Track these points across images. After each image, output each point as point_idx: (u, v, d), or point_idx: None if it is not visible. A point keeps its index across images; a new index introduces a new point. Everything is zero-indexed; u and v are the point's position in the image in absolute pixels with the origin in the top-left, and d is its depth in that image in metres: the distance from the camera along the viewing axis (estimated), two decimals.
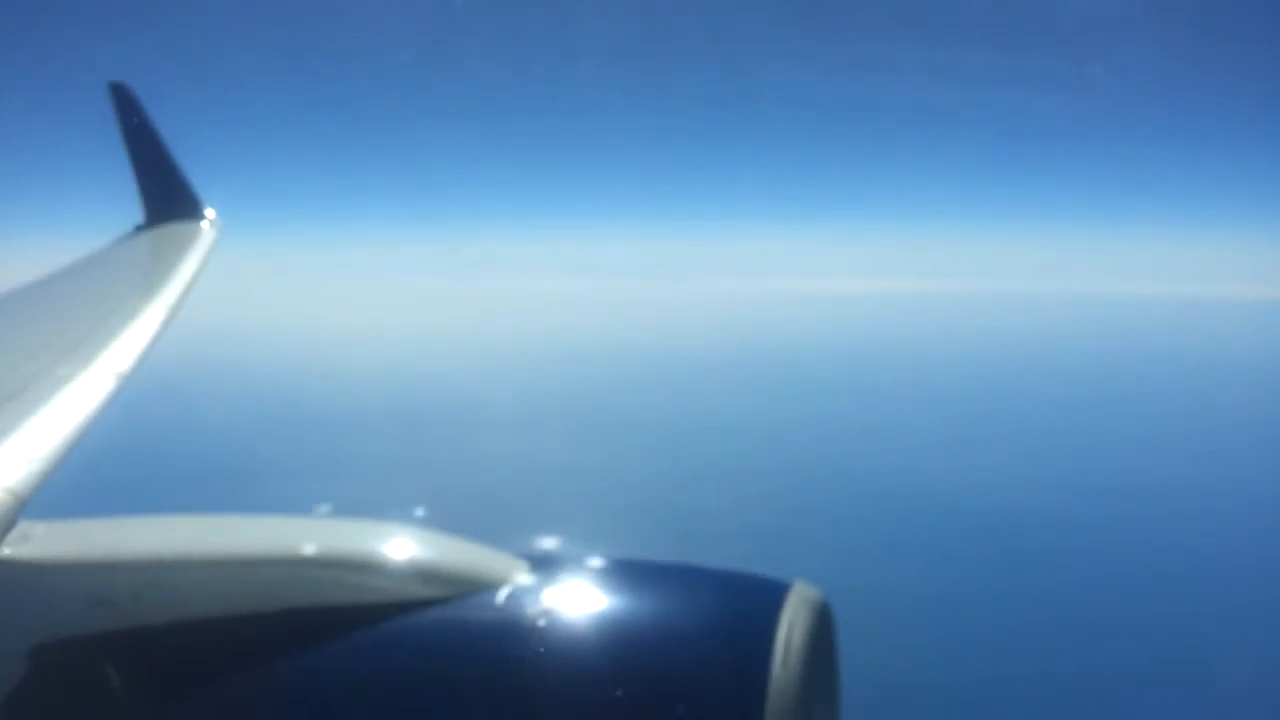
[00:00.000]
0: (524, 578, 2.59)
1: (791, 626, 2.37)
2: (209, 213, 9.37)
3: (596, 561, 2.71)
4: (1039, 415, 76.93)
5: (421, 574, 2.58)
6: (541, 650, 2.42)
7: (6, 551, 2.48)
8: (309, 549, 2.64)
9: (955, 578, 38.82)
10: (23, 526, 2.58)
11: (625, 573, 2.66)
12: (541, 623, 2.46)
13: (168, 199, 9.28)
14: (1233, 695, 29.34)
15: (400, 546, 2.67)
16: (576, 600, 2.54)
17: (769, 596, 2.48)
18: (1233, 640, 32.64)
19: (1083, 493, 52.52)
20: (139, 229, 9.15)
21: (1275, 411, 74.68)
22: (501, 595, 2.53)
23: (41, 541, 2.60)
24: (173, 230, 8.80)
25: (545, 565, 2.66)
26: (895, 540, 43.68)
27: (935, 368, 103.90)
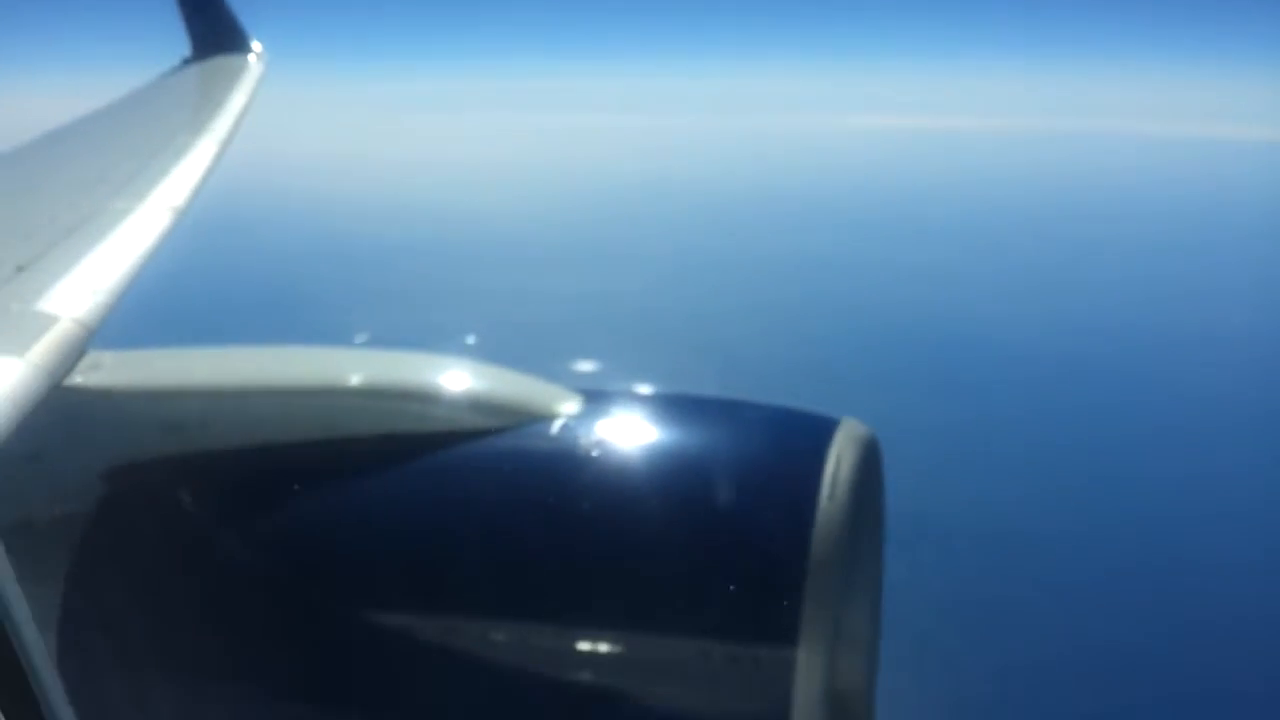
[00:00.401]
0: (577, 410, 2.65)
1: (839, 460, 2.41)
2: (255, 46, 9.27)
3: (648, 395, 2.75)
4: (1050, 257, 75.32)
5: (478, 405, 2.64)
6: (595, 480, 2.48)
7: (79, 380, 2.56)
8: (365, 379, 2.71)
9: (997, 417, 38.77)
10: (92, 356, 2.66)
11: (676, 406, 2.70)
12: (595, 453, 2.51)
13: (213, 32, 9.16)
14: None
15: (457, 378, 2.73)
16: (628, 432, 2.59)
17: (818, 431, 2.52)
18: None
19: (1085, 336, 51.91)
20: (186, 63, 9.08)
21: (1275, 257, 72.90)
22: (555, 426, 2.59)
23: (111, 370, 2.69)
24: (219, 64, 8.71)
25: (597, 398, 2.71)
26: (922, 377, 43.60)
27: (942, 205, 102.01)
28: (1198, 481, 32.61)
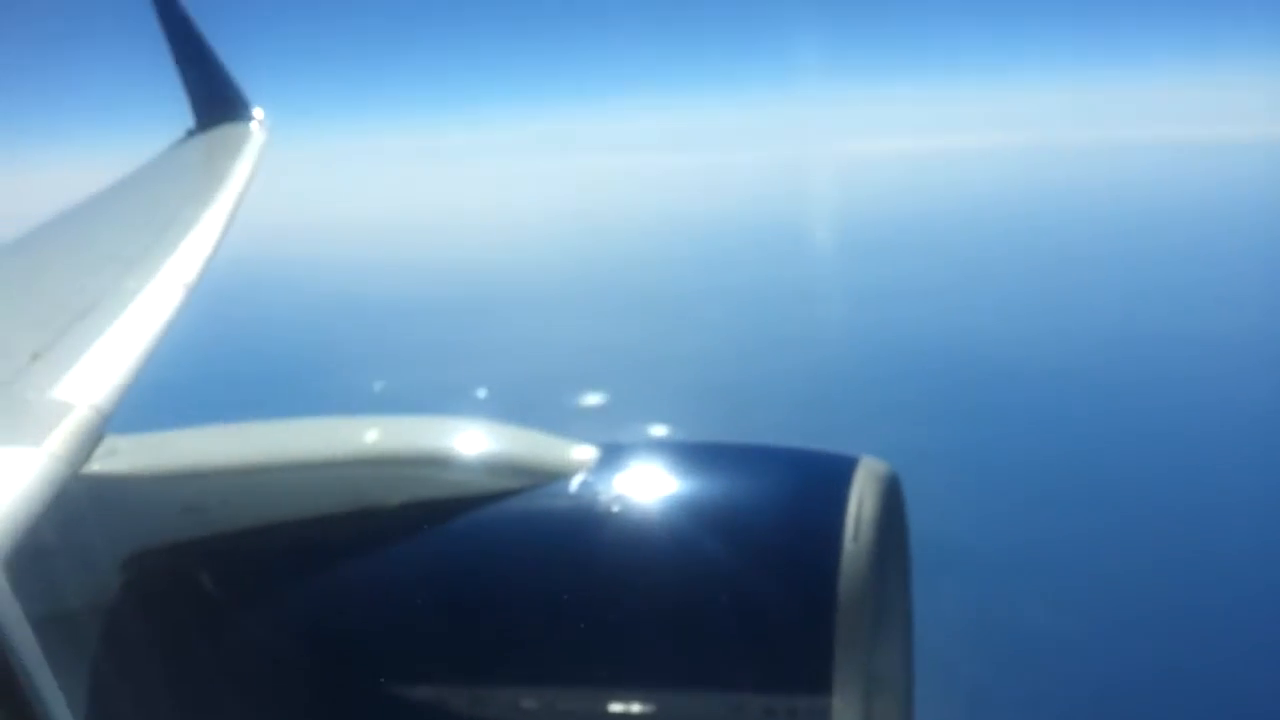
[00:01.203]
0: (595, 465, 2.64)
1: (861, 500, 2.40)
2: (257, 112, 9.35)
3: (664, 444, 2.74)
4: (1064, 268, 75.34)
5: (494, 467, 2.64)
6: (618, 536, 2.47)
7: (96, 467, 2.56)
8: (381, 449, 2.71)
9: (1017, 443, 38.60)
10: (109, 441, 2.65)
11: (694, 454, 2.69)
12: (616, 509, 2.50)
13: (215, 101, 9.25)
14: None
15: (470, 440, 2.73)
16: (648, 484, 2.58)
17: (838, 471, 2.50)
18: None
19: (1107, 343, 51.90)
20: (190, 134, 9.17)
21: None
22: (574, 484, 2.58)
23: (128, 455, 2.69)
24: (223, 133, 8.79)
25: (613, 451, 2.70)
26: (944, 405, 43.49)
27: (952, 224, 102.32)
28: (1221, 497, 32.32)
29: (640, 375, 47.47)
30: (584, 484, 2.57)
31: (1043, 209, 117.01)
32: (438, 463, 2.65)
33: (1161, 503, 32.70)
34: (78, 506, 2.39)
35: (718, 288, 74.22)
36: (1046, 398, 44.22)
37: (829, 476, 2.51)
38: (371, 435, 2.77)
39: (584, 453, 2.68)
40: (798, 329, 59.86)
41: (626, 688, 2.39)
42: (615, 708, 2.40)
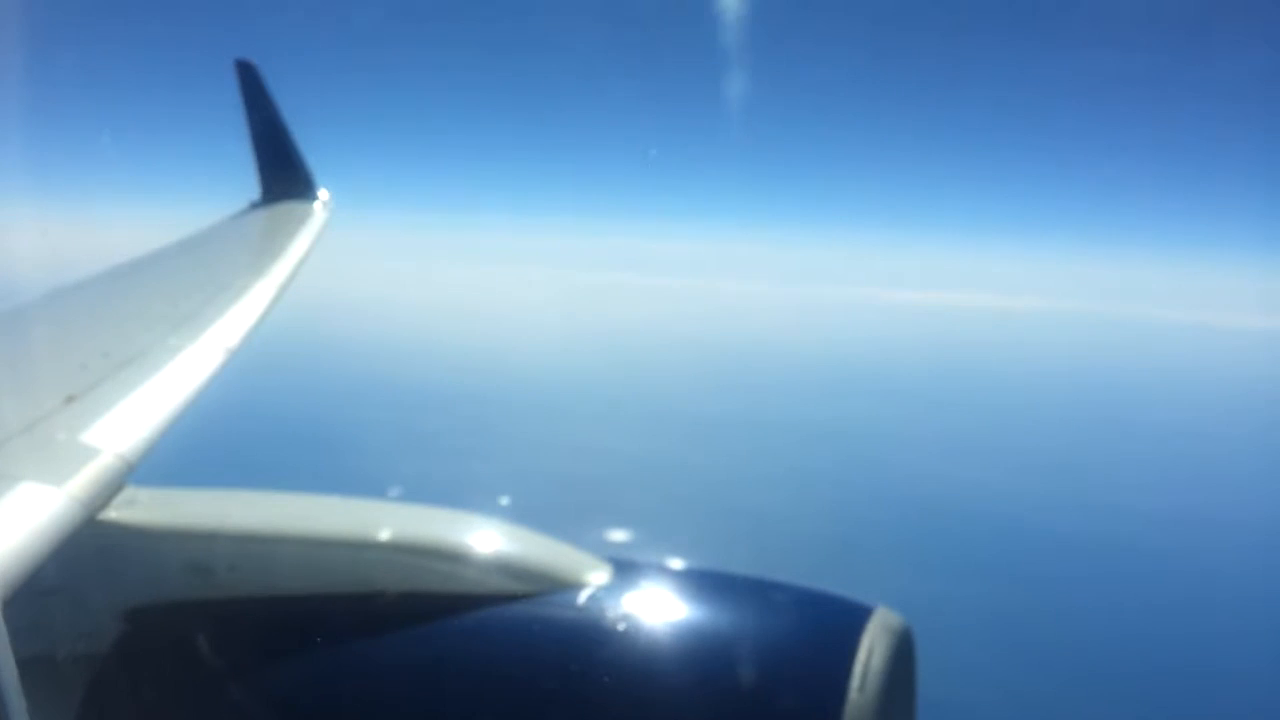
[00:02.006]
0: (606, 580, 2.60)
1: (871, 651, 2.35)
2: (322, 194, 9.54)
3: (680, 569, 2.70)
4: (1072, 434, 75.15)
5: (505, 569, 2.61)
6: (618, 655, 2.42)
7: (112, 515, 2.57)
8: (398, 536, 2.68)
9: (1021, 597, 38.09)
10: (129, 491, 2.67)
11: (708, 583, 2.64)
12: (620, 627, 2.46)
13: (284, 178, 9.47)
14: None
15: (487, 540, 2.70)
16: (657, 608, 2.53)
17: (851, 619, 2.45)
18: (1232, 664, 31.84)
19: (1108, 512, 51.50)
20: (254, 206, 9.37)
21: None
22: (583, 596, 2.55)
23: (145, 507, 2.70)
24: (286, 209, 8.98)
25: (627, 569, 2.66)
26: (956, 558, 43.01)
27: (952, 379, 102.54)
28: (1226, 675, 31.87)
29: (668, 492, 47.26)
30: (593, 598, 2.54)
31: (1058, 372, 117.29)
32: (449, 556, 2.63)
33: (1170, 670, 32.23)
34: (88, 552, 2.40)
35: (752, 415, 74.24)
36: (1057, 564, 43.65)
37: (841, 623, 2.46)
38: (387, 520, 2.76)
39: (597, 567, 2.65)
40: (829, 465, 59.64)
41: None
42: None
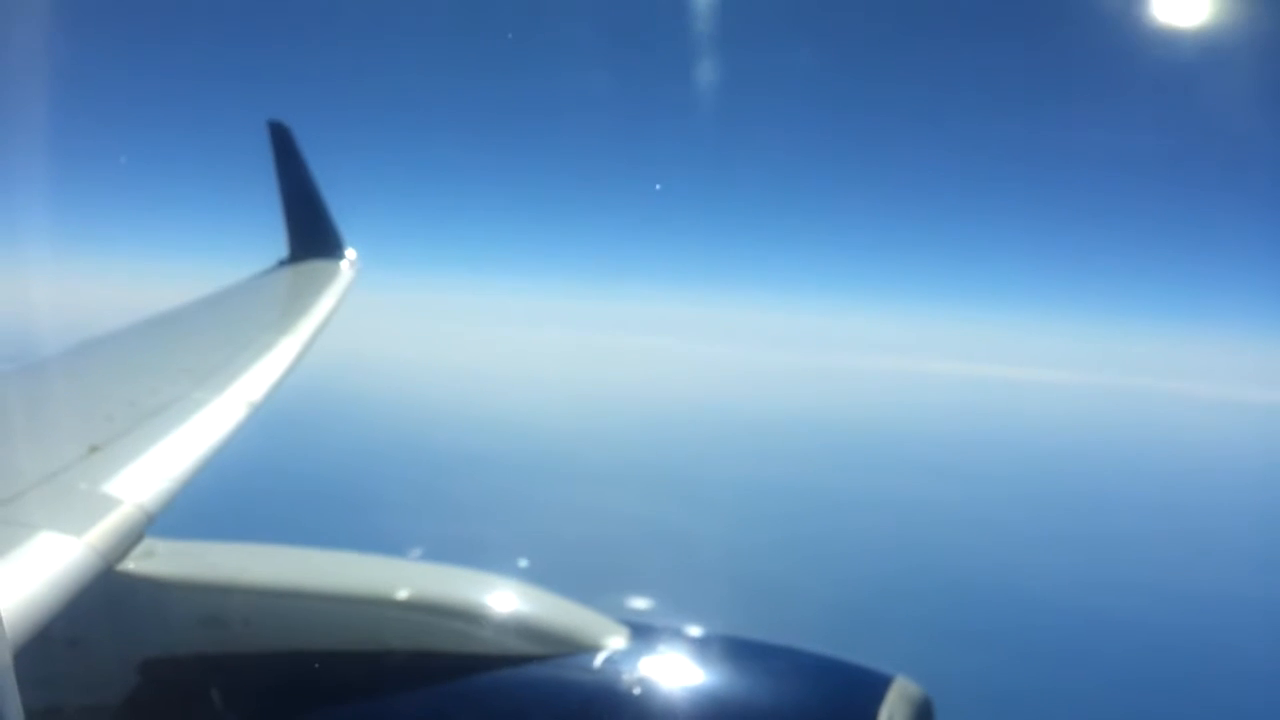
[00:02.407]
0: (623, 644, 2.58)
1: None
2: (350, 253, 9.61)
3: (698, 634, 2.67)
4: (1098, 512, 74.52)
5: (522, 630, 2.59)
6: (635, 719, 2.40)
7: (130, 566, 2.57)
8: (415, 594, 2.67)
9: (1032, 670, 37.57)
10: (148, 543, 2.67)
11: (725, 649, 2.62)
12: (636, 691, 2.43)
13: (312, 237, 9.56)
14: None
15: (504, 600, 2.68)
16: (673, 673, 2.50)
17: (870, 688, 2.43)
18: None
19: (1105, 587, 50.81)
20: (282, 263, 9.45)
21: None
22: (600, 659, 2.52)
23: (164, 559, 2.70)
24: (313, 268, 9.05)
25: (645, 633, 2.63)
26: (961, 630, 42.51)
27: (954, 449, 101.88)
28: None
29: (687, 558, 46.87)
30: (609, 661, 2.51)
31: (1065, 445, 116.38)
32: (467, 616, 2.61)
33: None
34: (104, 602, 2.39)
35: (770, 482, 73.88)
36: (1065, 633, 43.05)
37: (860, 692, 2.43)
38: (404, 578, 2.75)
39: (615, 631, 2.62)
40: (843, 534, 59.18)
41: None
42: None
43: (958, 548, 57.25)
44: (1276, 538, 63.79)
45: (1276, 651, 39.80)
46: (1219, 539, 66.21)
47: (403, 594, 2.67)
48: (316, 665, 2.56)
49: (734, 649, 2.63)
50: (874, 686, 2.42)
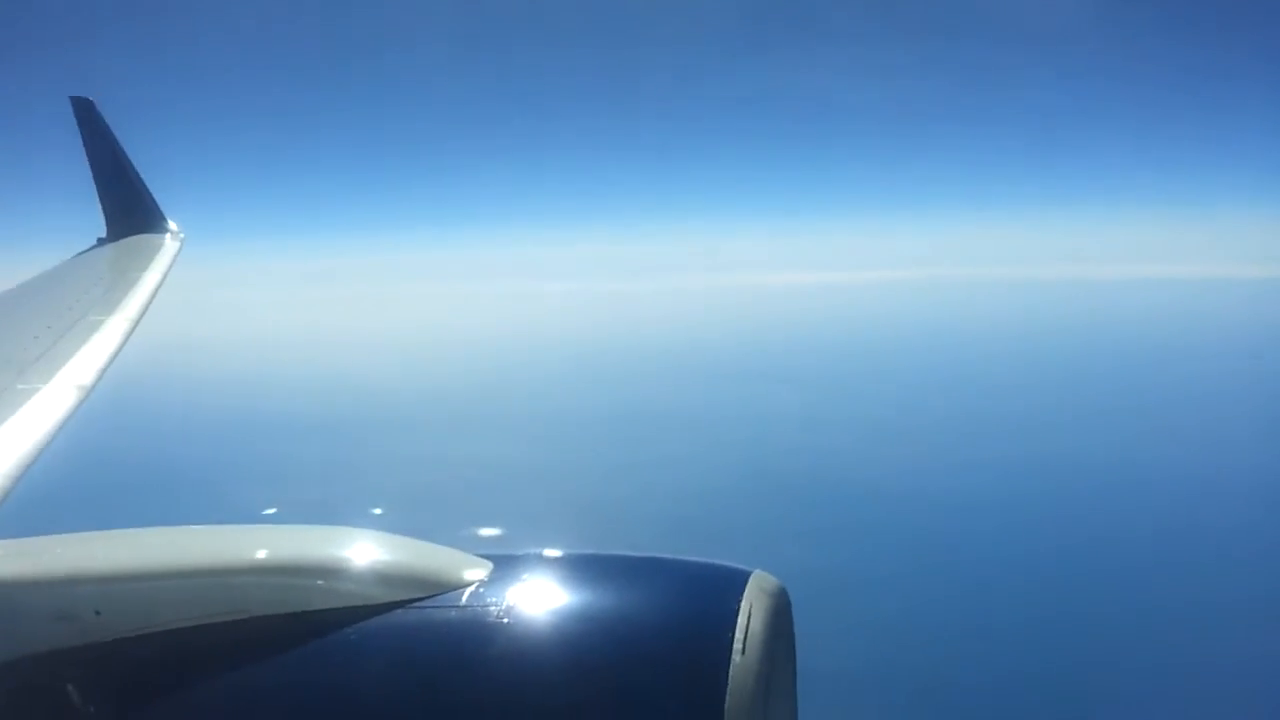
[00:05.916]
0: (487, 577, 2.64)
1: (751, 613, 2.42)
2: (172, 225, 9.31)
3: (558, 557, 2.75)
4: (1041, 403, 77.33)
5: (385, 577, 2.61)
6: (506, 648, 2.46)
7: None
8: (271, 556, 2.65)
9: (938, 569, 39.13)
10: None
11: (586, 566, 2.70)
12: (505, 620, 2.50)
13: (130, 212, 9.20)
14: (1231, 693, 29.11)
15: (363, 550, 2.69)
16: (539, 596, 2.57)
17: (729, 584, 2.53)
18: (1230, 634, 32.38)
19: (1083, 481, 53.02)
20: (101, 242, 9.08)
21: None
22: (465, 595, 2.58)
23: (3, 559, 2.62)
24: (135, 243, 8.73)
25: (507, 563, 2.69)
26: (866, 531, 44.04)
27: (934, 356, 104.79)
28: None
29: (541, 492, 47.16)
30: (475, 595, 2.56)
31: (1008, 341, 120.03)
32: (326, 572, 2.62)
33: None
34: None
35: (623, 410, 74.66)
36: (994, 535, 44.65)
37: (720, 588, 2.54)
38: (255, 543, 2.73)
39: (477, 564, 2.68)
40: (726, 451, 60.36)
41: None
42: None
43: (811, 448, 58.96)
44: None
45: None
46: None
47: (259, 558, 2.66)
48: (176, 642, 2.54)
49: (594, 564, 2.71)
50: (732, 581, 2.53)
